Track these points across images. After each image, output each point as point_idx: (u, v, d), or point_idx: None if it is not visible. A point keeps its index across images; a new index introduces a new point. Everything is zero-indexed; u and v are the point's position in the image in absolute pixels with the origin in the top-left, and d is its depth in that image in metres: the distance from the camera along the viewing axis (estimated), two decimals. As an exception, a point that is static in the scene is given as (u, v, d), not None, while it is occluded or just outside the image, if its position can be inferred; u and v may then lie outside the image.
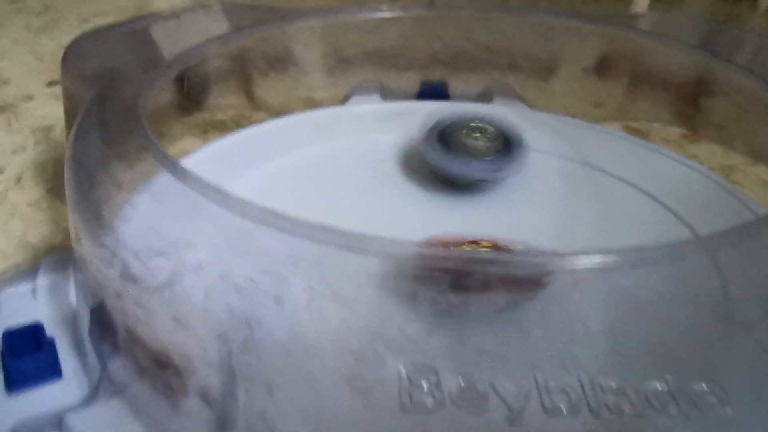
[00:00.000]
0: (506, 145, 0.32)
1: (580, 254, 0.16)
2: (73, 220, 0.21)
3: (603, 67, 0.42)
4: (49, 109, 0.47)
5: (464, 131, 0.32)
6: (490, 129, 0.32)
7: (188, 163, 0.33)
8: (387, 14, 0.41)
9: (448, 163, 0.31)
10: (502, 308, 0.16)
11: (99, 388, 0.21)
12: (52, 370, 0.22)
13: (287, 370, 0.16)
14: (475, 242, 0.23)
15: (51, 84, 0.50)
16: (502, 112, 0.36)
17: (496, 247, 0.23)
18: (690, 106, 0.40)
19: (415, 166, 0.34)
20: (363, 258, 0.16)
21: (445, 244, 0.23)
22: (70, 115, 0.30)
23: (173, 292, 0.17)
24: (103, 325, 0.20)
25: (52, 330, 0.24)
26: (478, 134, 0.32)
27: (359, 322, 0.16)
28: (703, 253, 0.16)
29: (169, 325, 0.17)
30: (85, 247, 0.20)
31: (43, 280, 0.26)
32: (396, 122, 0.39)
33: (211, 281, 0.16)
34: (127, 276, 0.18)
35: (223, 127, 0.44)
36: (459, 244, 0.23)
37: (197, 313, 0.17)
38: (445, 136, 0.32)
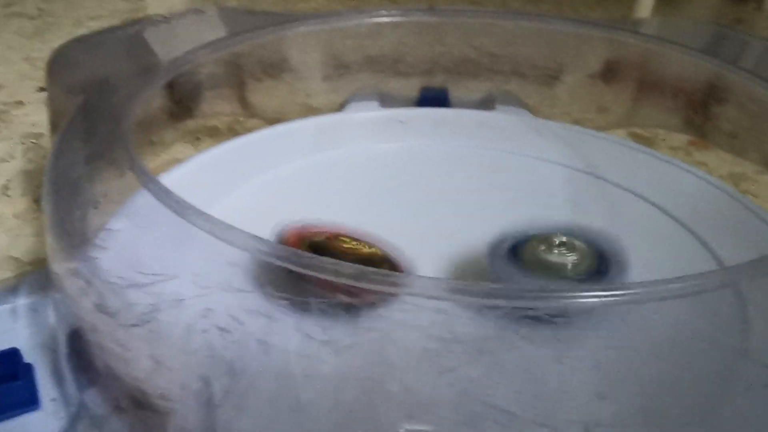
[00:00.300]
0: (600, 261, 0.24)
1: (599, 290, 0.14)
2: (49, 243, 0.20)
3: (608, 73, 0.40)
4: (39, 116, 0.45)
5: (542, 246, 0.24)
6: (578, 244, 0.25)
7: (179, 173, 0.32)
8: (386, 19, 0.40)
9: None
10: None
11: (77, 420, 0.20)
12: (30, 400, 0.21)
13: (273, 426, 0.15)
14: (335, 236, 0.22)
15: (42, 89, 0.49)
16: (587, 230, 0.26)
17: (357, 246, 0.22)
18: (699, 112, 0.39)
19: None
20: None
21: (299, 236, 0.21)
22: (55, 126, 0.29)
23: (151, 329, 0.15)
24: (80, 355, 0.19)
25: (30, 355, 0.23)
26: (563, 249, 0.24)
27: (356, 371, 0.14)
28: (726, 286, 0.15)
29: (147, 363, 0.16)
30: (60, 273, 0.19)
31: (23, 301, 0.24)
32: (396, 130, 0.38)
33: (192, 319, 0.15)
34: (103, 309, 0.16)
35: (216, 134, 0.42)
36: (315, 234, 0.21)
37: (176, 353, 0.15)
38: (516, 251, 0.25)
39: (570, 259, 0.23)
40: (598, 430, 0.14)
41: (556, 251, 0.24)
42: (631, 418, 0.15)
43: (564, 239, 0.24)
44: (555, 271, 0.23)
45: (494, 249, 0.25)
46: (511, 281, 0.23)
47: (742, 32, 0.40)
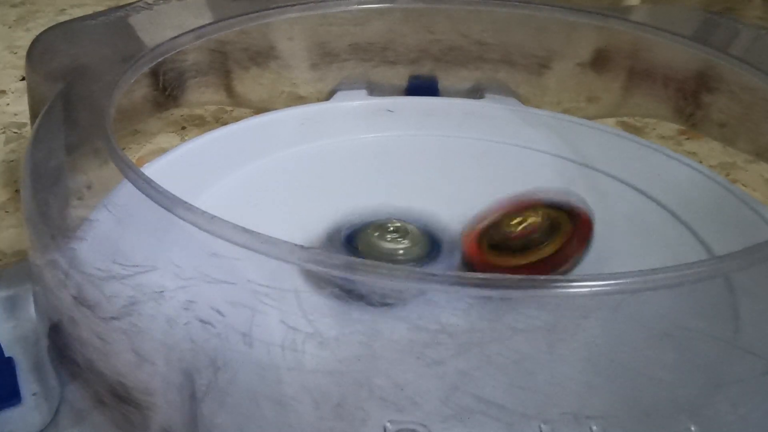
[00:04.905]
0: (433, 247, 0.24)
1: (590, 280, 0.14)
2: (28, 233, 0.19)
3: (598, 62, 0.40)
4: (21, 106, 0.45)
5: (376, 233, 0.24)
6: (412, 228, 0.25)
7: (164, 163, 0.32)
8: (374, 5, 0.39)
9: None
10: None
11: (59, 415, 0.19)
12: (11, 395, 0.21)
13: (256, 422, 0.14)
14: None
15: (24, 79, 0.48)
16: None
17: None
18: (689, 101, 0.39)
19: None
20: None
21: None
22: (35, 115, 0.28)
23: (131, 322, 0.15)
24: (61, 348, 0.19)
25: (11, 348, 0.22)
26: (396, 235, 0.24)
27: (341, 365, 0.14)
28: (717, 275, 0.15)
29: (128, 357, 0.15)
30: (39, 264, 0.18)
31: (3, 294, 0.24)
32: (384, 119, 0.38)
33: (173, 311, 0.15)
34: (82, 301, 0.16)
35: (202, 123, 0.42)
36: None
37: (157, 347, 0.15)
38: (352, 240, 0.24)
39: (402, 245, 0.24)
40: (588, 422, 0.14)
41: (389, 237, 0.24)
42: (622, 410, 0.14)
43: (398, 225, 0.24)
44: (387, 258, 0.23)
45: (330, 237, 0.24)
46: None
47: (732, 19, 0.40)
